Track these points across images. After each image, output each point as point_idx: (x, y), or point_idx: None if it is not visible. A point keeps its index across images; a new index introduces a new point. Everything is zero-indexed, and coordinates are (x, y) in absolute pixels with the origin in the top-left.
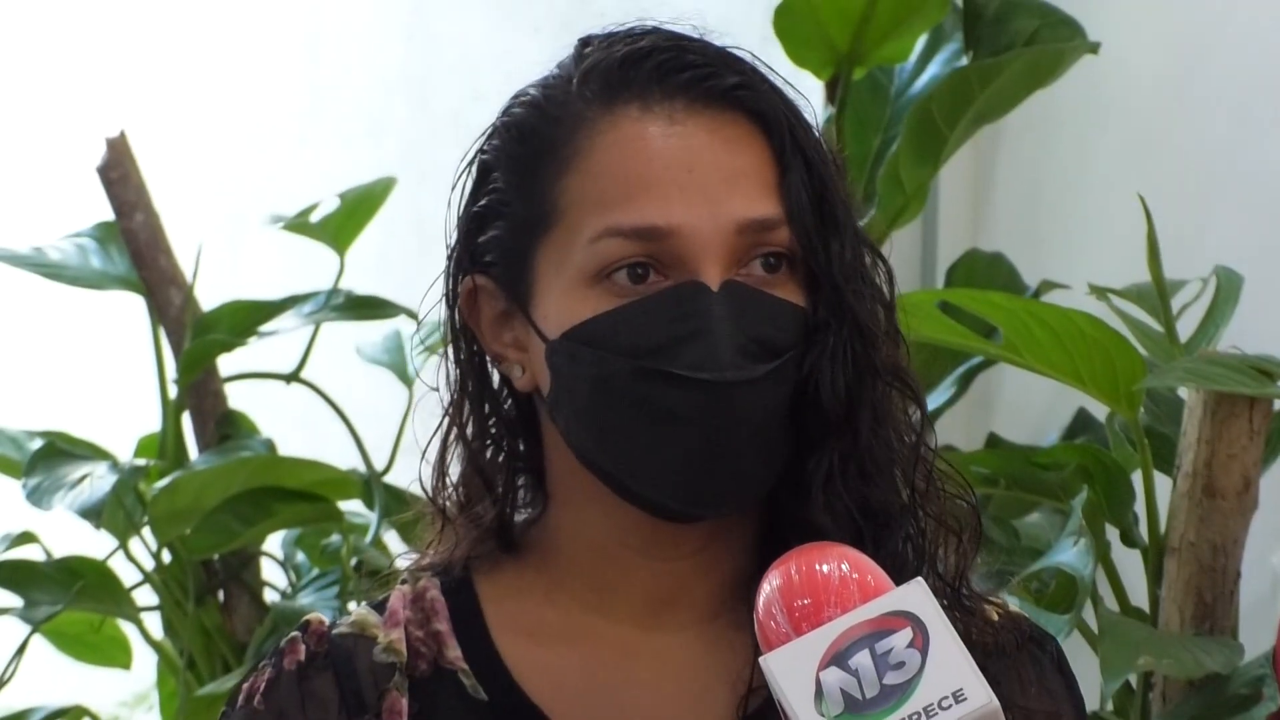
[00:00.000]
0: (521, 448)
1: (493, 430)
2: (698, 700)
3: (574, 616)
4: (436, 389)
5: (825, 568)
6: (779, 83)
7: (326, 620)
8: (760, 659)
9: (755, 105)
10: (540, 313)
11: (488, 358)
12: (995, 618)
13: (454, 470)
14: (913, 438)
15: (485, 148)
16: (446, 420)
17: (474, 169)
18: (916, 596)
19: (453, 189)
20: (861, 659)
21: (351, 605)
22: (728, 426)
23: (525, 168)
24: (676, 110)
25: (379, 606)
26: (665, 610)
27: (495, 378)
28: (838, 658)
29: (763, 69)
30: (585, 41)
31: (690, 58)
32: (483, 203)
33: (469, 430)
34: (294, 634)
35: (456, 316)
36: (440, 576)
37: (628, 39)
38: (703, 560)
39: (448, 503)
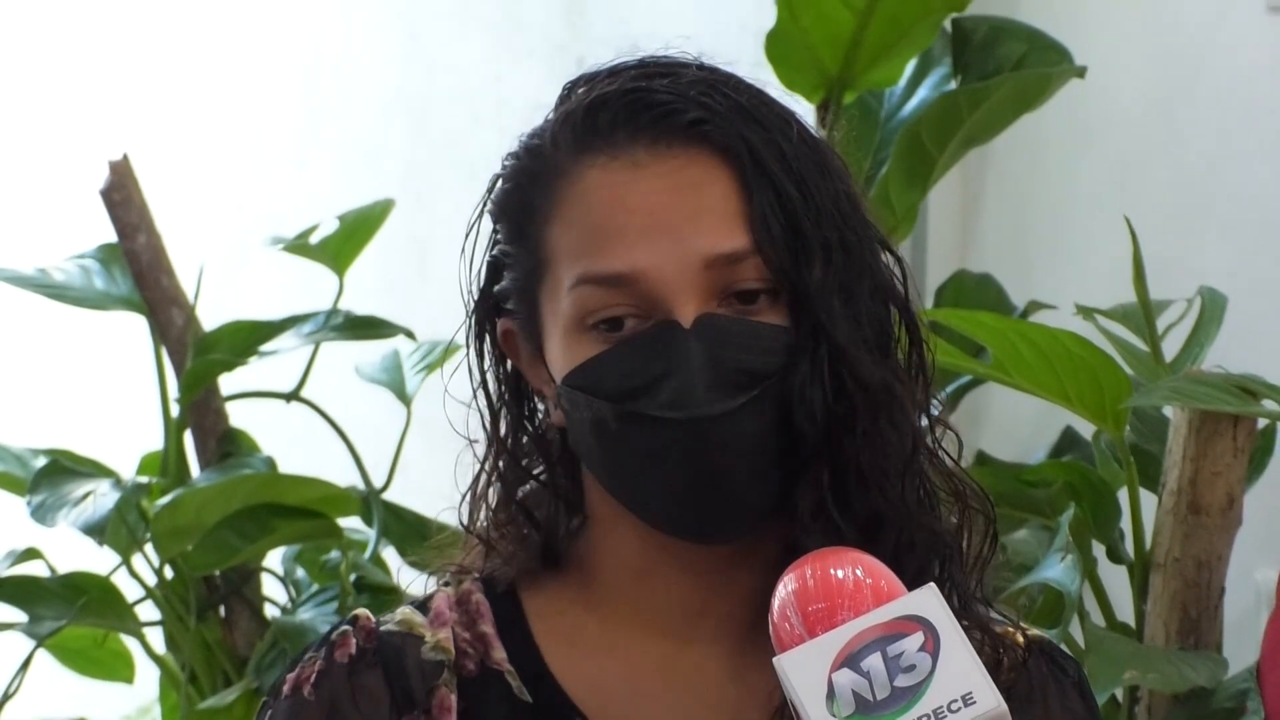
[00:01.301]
0: (560, 471)
1: (531, 458)
2: (734, 714)
3: (613, 628)
4: (483, 432)
5: (840, 573)
6: (760, 102)
7: (374, 617)
8: (774, 659)
9: (716, 139)
10: (550, 357)
11: (529, 389)
12: (1021, 640)
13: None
14: (907, 451)
15: (489, 200)
16: (491, 452)
17: (480, 222)
18: (928, 601)
19: (466, 236)
20: (873, 661)
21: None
22: (710, 460)
23: (518, 218)
24: (639, 154)
25: (422, 606)
26: (700, 622)
27: (538, 407)
28: (850, 660)
29: (748, 91)
30: (567, 86)
31: (656, 97)
32: (493, 253)
33: (511, 458)
34: (344, 628)
35: (498, 353)
36: (484, 581)
37: (606, 79)
38: (734, 574)
39: (490, 528)
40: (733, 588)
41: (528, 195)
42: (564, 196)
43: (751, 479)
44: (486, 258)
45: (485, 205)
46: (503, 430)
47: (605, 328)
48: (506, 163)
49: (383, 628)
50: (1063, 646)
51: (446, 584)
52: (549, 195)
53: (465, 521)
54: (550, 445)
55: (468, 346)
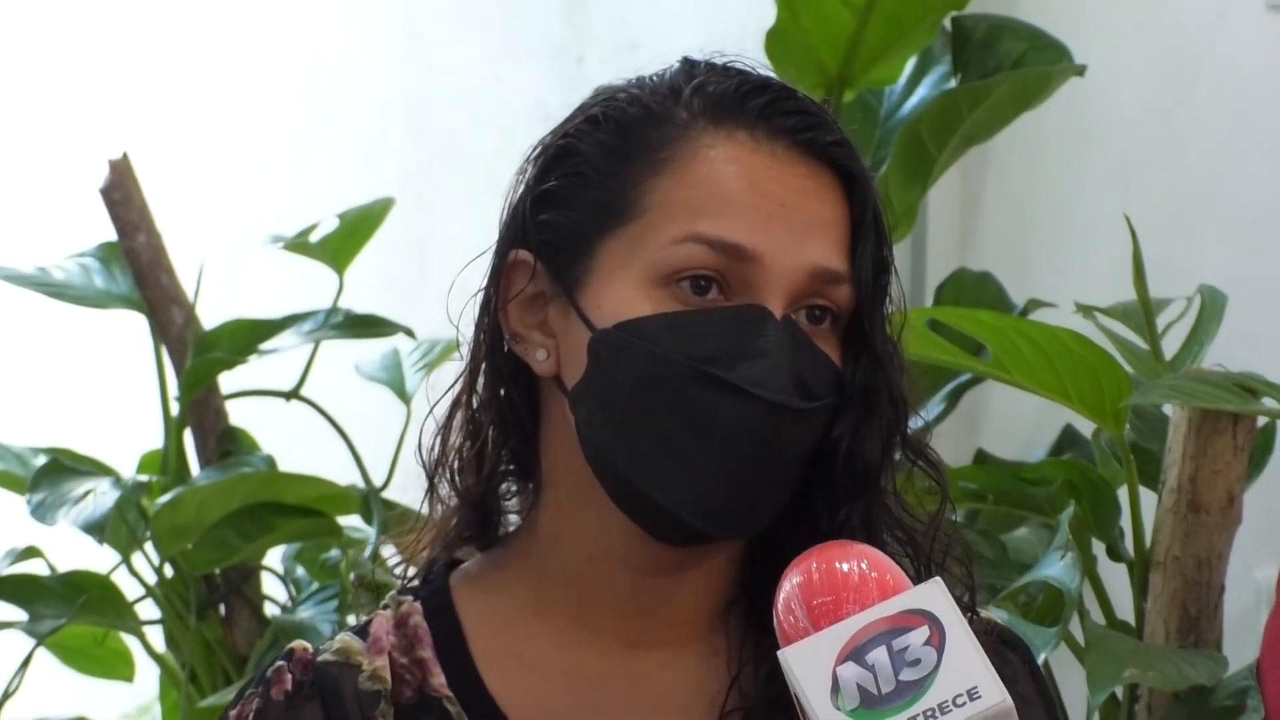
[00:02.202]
0: (513, 442)
1: (496, 404)
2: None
3: (559, 628)
4: (460, 358)
5: (845, 566)
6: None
7: (310, 648)
8: (779, 652)
9: (848, 166)
10: (591, 301)
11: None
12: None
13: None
14: (938, 504)
15: (573, 131)
16: (460, 384)
17: (551, 150)
18: (934, 596)
19: (527, 164)
20: (878, 655)
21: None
22: (764, 449)
23: (617, 159)
24: (779, 149)
25: (361, 632)
26: (646, 626)
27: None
28: (855, 653)
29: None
30: (691, 62)
31: (808, 106)
32: (553, 183)
33: (476, 398)
34: (280, 663)
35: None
36: (423, 601)
37: (738, 72)
38: (683, 580)
39: (442, 479)
40: (680, 593)
41: (636, 140)
42: (687, 155)
43: (779, 484)
44: (540, 188)
45: (558, 139)
46: (483, 369)
47: (689, 286)
48: (617, 104)
49: (320, 658)
50: (1062, 645)
51: (385, 606)
52: (665, 149)
53: (426, 461)
54: (516, 403)
55: (493, 276)
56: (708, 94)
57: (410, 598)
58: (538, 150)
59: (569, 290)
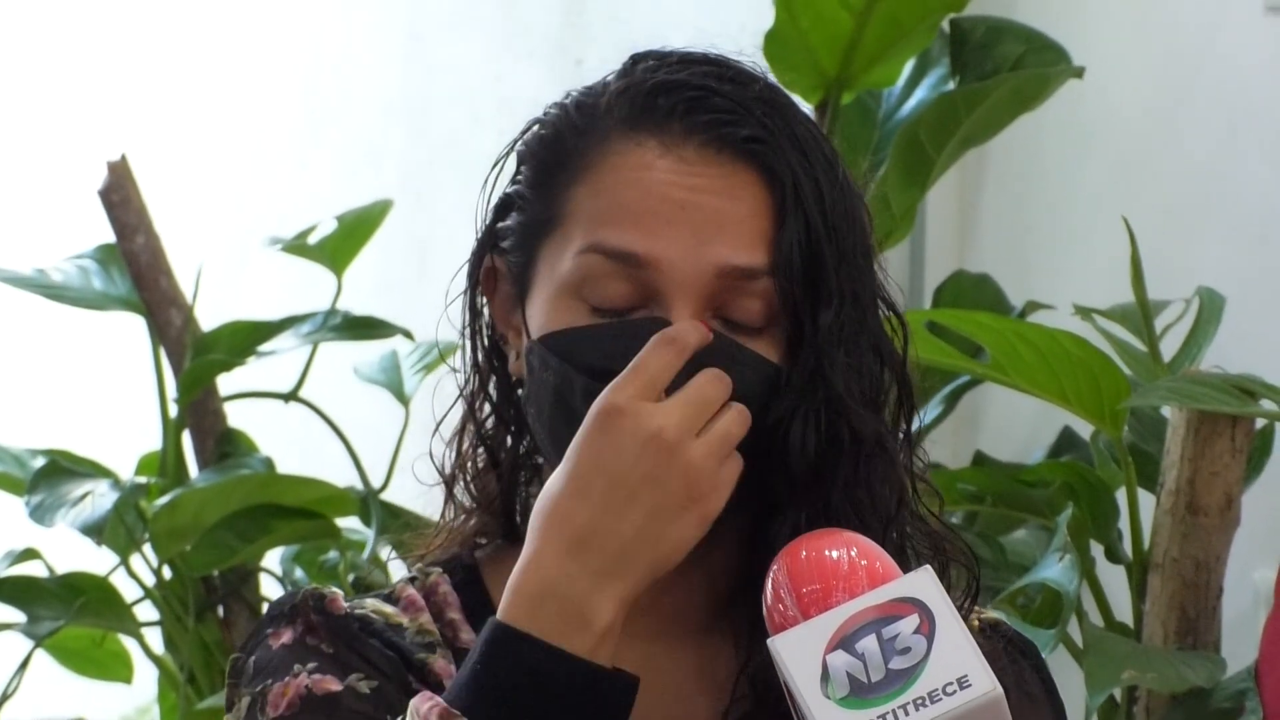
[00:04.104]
0: (525, 436)
1: (502, 407)
2: (681, 710)
3: None
4: (456, 370)
5: (834, 554)
6: (812, 137)
7: (342, 595)
8: (768, 641)
9: (765, 159)
10: (531, 310)
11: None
12: (976, 624)
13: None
14: (891, 507)
15: (522, 140)
16: (467, 393)
17: (507, 159)
18: (924, 584)
19: (491, 169)
20: (868, 643)
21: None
22: None
23: (544, 168)
24: (688, 151)
25: (388, 598)
26: (646, 617)
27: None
28: (845, 641)
29: (804, 123)
30: (635, 59)
31: (716, 101)
32: (509, 190)
33: (482, 406)
34: (330, 591)
35: (479, 294)
36: (448, 574)
37: (673, 66)
38: (683, 573)
39: (458, 481)
40: (676, 587)
41: (562, 148)
42: (600, 164)
43: None
44: (501, 193)
45: (515, 145)
46: (482, 376)
47: (594, 298)
48: (551, 110)
49: (356, 611)
50: (1061, 647)
51: (413, 579)
52: (584, 156)
53: (440, 468)
54: (519, 398)
55: (469, 280)
56: (627, 97)
57: (438, 570)
58: (500, 158)
59: (521, 297)
